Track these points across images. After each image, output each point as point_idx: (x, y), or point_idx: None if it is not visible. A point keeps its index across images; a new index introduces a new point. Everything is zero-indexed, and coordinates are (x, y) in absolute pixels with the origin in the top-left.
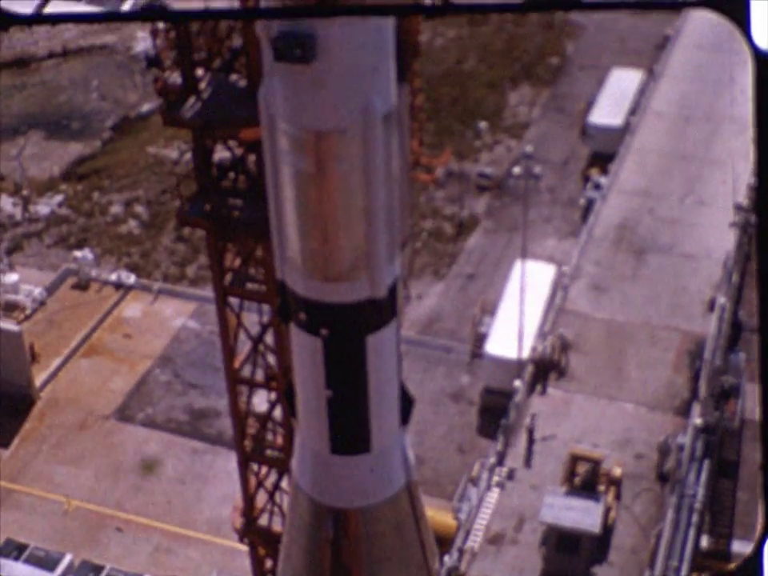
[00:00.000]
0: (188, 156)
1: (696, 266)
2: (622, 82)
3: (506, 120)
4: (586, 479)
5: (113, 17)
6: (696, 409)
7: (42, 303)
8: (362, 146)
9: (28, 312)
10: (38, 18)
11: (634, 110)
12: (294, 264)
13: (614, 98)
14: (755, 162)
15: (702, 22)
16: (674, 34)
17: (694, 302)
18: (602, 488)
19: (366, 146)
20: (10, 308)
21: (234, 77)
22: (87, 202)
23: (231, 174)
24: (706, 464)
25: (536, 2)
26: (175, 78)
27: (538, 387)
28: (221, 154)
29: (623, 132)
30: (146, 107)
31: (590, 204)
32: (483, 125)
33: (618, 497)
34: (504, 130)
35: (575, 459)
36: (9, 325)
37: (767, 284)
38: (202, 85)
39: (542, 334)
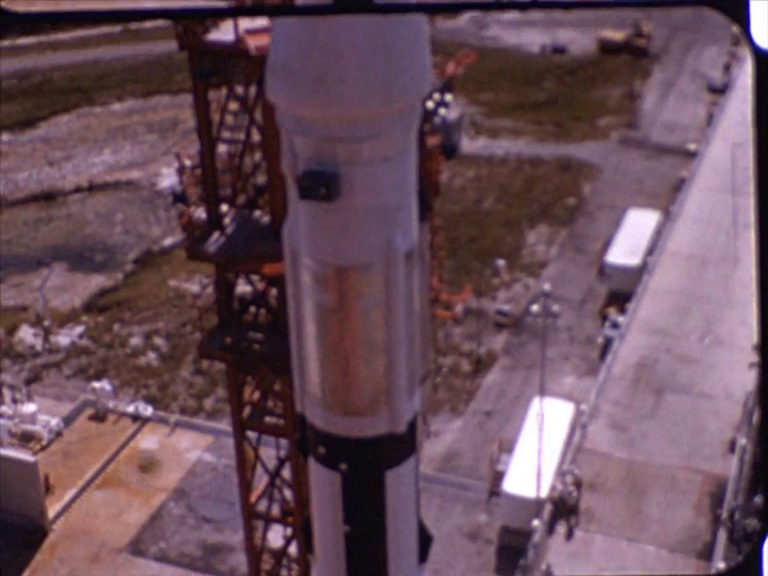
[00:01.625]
0: (209, 289)
1: (716, 406)
2: (639, 223)
3: (523, 258)
4: None
5: (112, 17)
6: (718, 552)
7: (59, 434)
8: (384, 283)
9: (44, 443)
10: (38, 18)
11: (651, 251)
12: (313, 397)
13: (631, 238)
14: (755, 163)
15: (717, 165)
16: (690, 177)
17: (715, 443)
18: None
19: (388, 282)
20: (27, 438)
21: (257, 213)
22: (107, 333)
23: (252, 308)
24: None
25: (536, 2)
26: (200, 213)
27: (557, 527)
28: (242, 287)
29: (641, 272)
30: (168, 241)
31: (608, 343)
32: (501, 263)
33: None
34: (522, 268)
35: None
36: (25, 455)
37: (767, 286)
38: (226, 220)
39: (560, 473)
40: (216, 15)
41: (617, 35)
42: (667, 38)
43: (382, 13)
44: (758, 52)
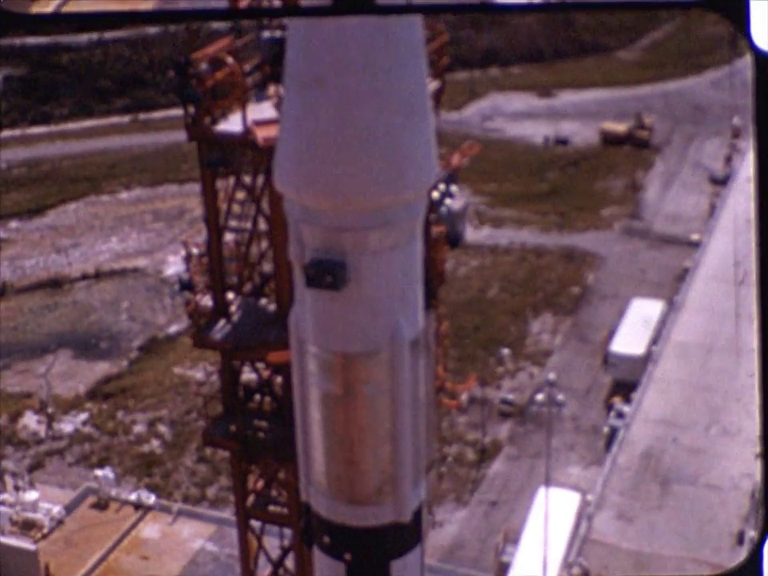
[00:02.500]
0: (214, 377)
1: (723, 497)
2: (643, 312)
3: (528, 347)
4: None
5: (112, 16)
6: None
7: (61, 522)
8: (390, 370)
9: (45, 531)
10: (38, 18)
11: (655, 340)
12: (318, 486)
13: (635, 327)
14: (755, 163)
15: (720, 255)
16: (693, 267)
17: (723, 534)
18: None
19: (394, 370)
20: (28, 526)
21: (263, 301)
22: (111, 420)
23: (257, 396)
24: None
25: (536, 4)
26: (206, 301)
27: None
28: (247, 375)
29: (645, 361)
30: (173, 328)
31: (613, 432)
32: (506, 352)
33: None
34: (526, 357)
35: None
36: (25, 544)
37: (767, 290)
38: (232, 308)
39: (566, 564)
40: (215, 16)
41: (619, 127)
42: (669, 130)
43: (381, 14)
44: (757, 52)
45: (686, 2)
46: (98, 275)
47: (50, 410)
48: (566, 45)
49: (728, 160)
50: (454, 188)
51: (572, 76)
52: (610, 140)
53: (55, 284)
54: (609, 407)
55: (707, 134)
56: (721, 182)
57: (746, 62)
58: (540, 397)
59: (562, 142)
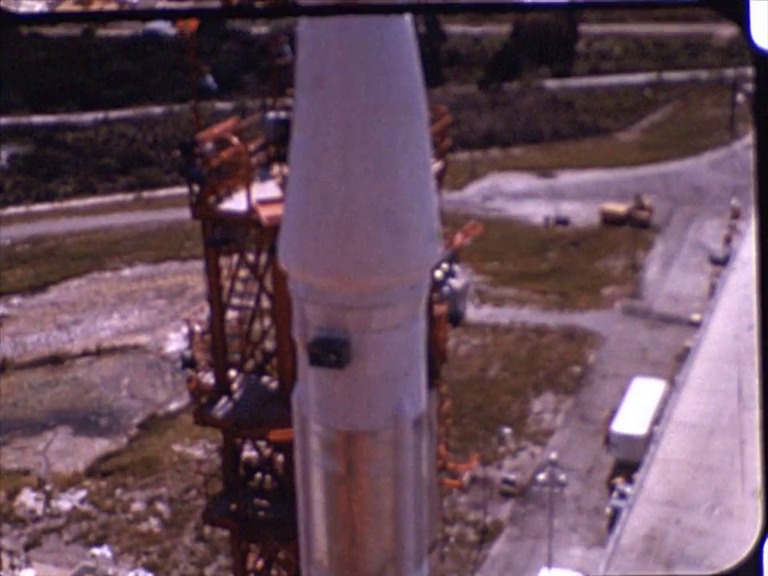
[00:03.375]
0: (214, 455)
1: None
2: (645, 392)
3: (529, 427)
4: None
5: (111, 16)
6: None
7: None
8: (393, 449)
9: None
10: (38, 18)
11: (657, 420)
12: (319, 565)
13: (637, 407)
14: (755, 163)
15: (720, 335)
16: (694, 346)
17: None
18: None
19: (397, 449)
20: None
21: (265, 379)
22: (109, 498)
23: (258, 475)
24: None
25: (536, 3)
26: (208, 378)
27: None
28: (248, 453)
29: (647, 441)
30: (173, 406)
31: (616, 513)
32: (507, 431)
33: None
34: (528, 436)
35: None
36: None
37: (767, 291)
38: (234, 385)
39: None
40: (214, 15)
41: (619, 208)
42: (669, 210)
43: (381, 14)
44: (757, 52)
45: (686, 1)
46: (99, 352)
47: (47, 488)
48: (565, 126)
49: (727, 240)
50: (456, 268)
51: (571, 157)
52: (610, 220)
53: (56, 360)
54: (611, 488)
55: (707, 214)
56: (721, 262)
57: (745, 143)
58: (542, 477)
59: (563, 222)
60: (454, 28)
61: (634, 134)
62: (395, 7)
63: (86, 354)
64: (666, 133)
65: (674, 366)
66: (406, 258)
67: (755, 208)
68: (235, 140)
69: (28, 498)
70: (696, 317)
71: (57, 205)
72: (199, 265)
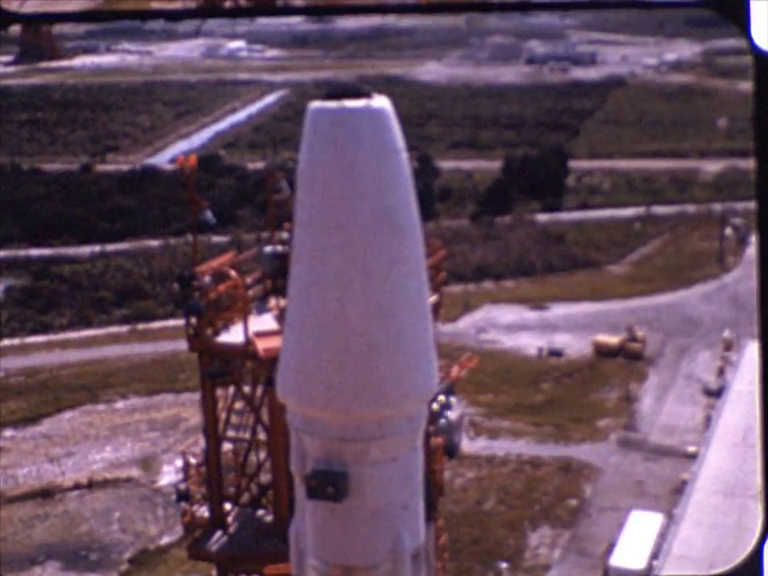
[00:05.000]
0: None
1: None
2: (643, 525)
3: (527, 561)
4: None
5: (112, 16)
6: None
7: None
8: None
9: None
10: (38, 18)
11: (656, 554)
12: None
13: (635, 541)
14: (755, 162)
15: (717, 467)
16: (691, 479)
17: None
18: None
19: None
20: None
21: (260, 512)
22: None
23: None
24: None
25: (536, 3)
26: (203, 511)
27: None
28: None
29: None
30: (165, 539)
31: None
32: (504, 566)
33: None
34: (525, 571)
35: None
36: None
37: (767, 289)
38: (229, 519)
39: None
40: (214, 15)
41: (611, 340)
42: (661, 342)
43: (381, 13)
44: (757, 52)
45: (687, 1)
46: (91, 485)
47: None
48: (556, 259)
49: (721, 372)
50: (453, 400)
51: (563, 289)
52: (603, 352)
53: (46, 494)
54: None
55: (699, 346)
56: (715, 393)
57: (735, 276)
58: None
59: (556, 353)
60: (446, 164)
61: (625, 267)
62: (395, 7)
63: (77, 487)
64: (656, 265)
65: (671, 499)
66: (403, 391)
67: (756, 208)
68: (233, 273)
69: None
70: (692, 449)
71: (52, 336)
72: (193, 397)
